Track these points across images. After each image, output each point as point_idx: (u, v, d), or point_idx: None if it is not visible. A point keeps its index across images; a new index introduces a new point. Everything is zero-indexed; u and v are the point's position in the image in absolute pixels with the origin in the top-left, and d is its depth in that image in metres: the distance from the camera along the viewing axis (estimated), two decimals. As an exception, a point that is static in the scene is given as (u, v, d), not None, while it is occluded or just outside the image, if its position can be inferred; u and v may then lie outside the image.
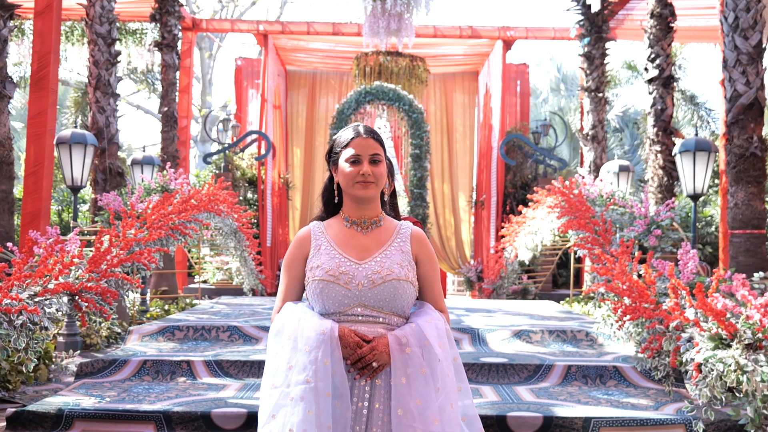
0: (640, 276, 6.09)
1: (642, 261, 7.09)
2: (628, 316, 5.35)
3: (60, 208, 16.34)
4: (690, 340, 4.46)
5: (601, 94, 10.66)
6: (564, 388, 5.25)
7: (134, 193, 7.56)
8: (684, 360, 4.48)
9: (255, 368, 5.41)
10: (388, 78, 14.04)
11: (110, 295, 5.28)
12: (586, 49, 10.78)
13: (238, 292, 11.50)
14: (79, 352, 6.17)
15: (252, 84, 15.99)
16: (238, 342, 6.34)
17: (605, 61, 10.73)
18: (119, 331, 6.97)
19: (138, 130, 41.87)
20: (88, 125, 8.34)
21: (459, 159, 16.36)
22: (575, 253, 7.91)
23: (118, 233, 6.12)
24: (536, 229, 9.77)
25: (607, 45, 10.83)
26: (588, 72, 10.73)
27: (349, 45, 15.08)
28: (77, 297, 5.04)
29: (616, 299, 6.01)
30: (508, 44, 14.05)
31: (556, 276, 13.52)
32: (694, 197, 7.32)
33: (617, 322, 5.69)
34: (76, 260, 5.08)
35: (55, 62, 8.09)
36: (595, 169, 10.51)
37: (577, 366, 5.43)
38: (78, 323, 5.96)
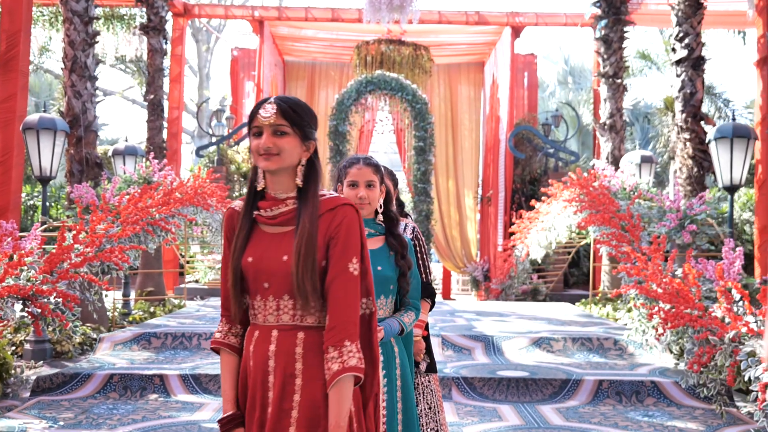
0: (674, 276, 5.37)
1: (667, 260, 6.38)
2: (668, 324, 4.62)
3: (48, 203, 15.67)
4: (753, 354, 3.75)
5: (619, 80, 9.92)
6: (596, 407, 4.53)
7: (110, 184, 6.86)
8: (745, 378, 3.77)
9: (238, 384, 4.70)
10: (391, 68, 13.34)
11: (71, 300, 4.57)
12: (603, 32, 10.03)
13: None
14: (42, 362, 5.47)
15: (249, 75, 15.27)
16: (222, 351, 5.63)
17: (623, 45, 10.00)
18: (95, 336, 6.28)
19: (136, 126, 41.25)
20: (63, 111, 7.63)
21: (464, 154, 15.63)
22: (599, 250, 7.21)
23: (85, 228, 5.41)
24: (550, 225, 9.04)
25: (625, 29, 10.09)
26: (605, 57, 9.99)
27: (350, 32, 14.35)
28: (30, 302, 4.33)
29: (650, 303, 5.29)
30: (516, 31, 13.32)
31: (567, 275, 12.79)
32: (731, 189, 6.60)
33: (654, 329, 4.97)
34: (27, 259, 4.37)
35: (26, 42, 7.39)
36: (613, 160, 9.77)
37: (609, 381, 4.71)
38: (51, 329, 5.26)
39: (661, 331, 4.71)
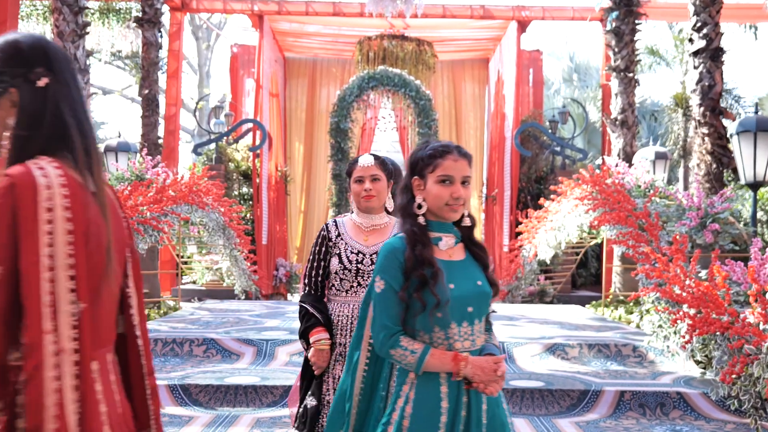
0: (699, 279, 5.02)
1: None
2: (696, 330, 4.28)
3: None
4: (796, 365, 3.41)
5: (631, 74, 9.55)
6: (617, 420, 4.18)
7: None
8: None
9: (230, 395, 4.35)
10: (393, 63, 13.03)
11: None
12: (613, 25, 9.67)
13: (230, 294, 10.46)
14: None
15: (249, 73, 14.92)
16: (215, 359, 5.29)
17: (635, 38, 9.63)
18: (83, 341, 5.95)
19: (135, 125, 40.92)
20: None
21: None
22: (612, 251, 6.84)
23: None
24: (560, 224, 8.69)
25: (636, 21, 9.74)
26: (616, 50, 9.62)
27: (352, 27, 14.00)
28: None
29: (673, 307, 4.94)
30: (523, 26, 12.95)
31: (575, 276, 12.42)
32: (755, 186, 6.25)
33: (681, 336, 4.62)
34: None
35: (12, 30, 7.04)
36: (625, 157, 9.41)
37: (631, 392, 4.36)
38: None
39: (687, 338, 4.36)
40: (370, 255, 2.51)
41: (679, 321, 4.61)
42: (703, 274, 5.11)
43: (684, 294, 4.67)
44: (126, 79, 22.91)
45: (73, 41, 7.28)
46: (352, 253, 2.51)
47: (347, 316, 2.46)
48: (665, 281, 5.06)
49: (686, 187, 14.83)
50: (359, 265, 2.49)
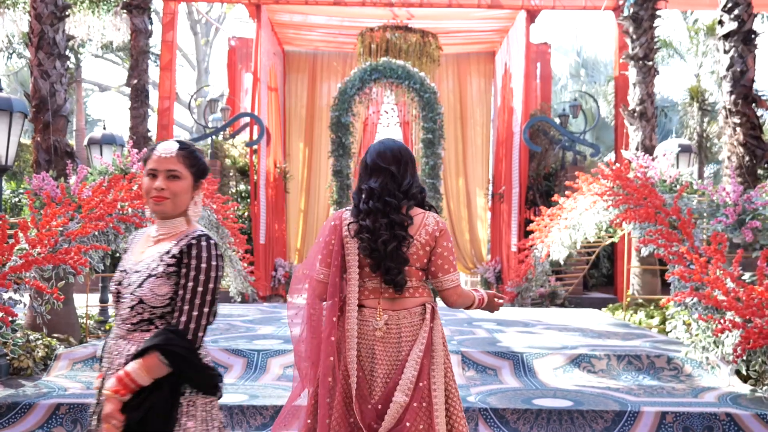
0: (746, 282, 4.46)
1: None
2: (750, 342, 3.71)
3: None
4: None
5: (650, 63, 8.98)
6: (660, 447, 3.62)
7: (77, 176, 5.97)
8: None
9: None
10: (396, 56, 12.53)
11: (5, 312, 3.69)
12: (631, 11, 9.11)
13: (225, 296, 9.92)
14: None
15: (247, 67, 14.38)
16: (200, 371, 4.73)
17: (655, 24, 9.08)
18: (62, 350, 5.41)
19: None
20: (29, 93, 6.75)
21: (474, 150, 14.74)
22: (637, 249, 6.28)
23: (36, 224, 4.53)
24: (576, 222, 8.13)
25: (655, 7, 9.18)
26: (634, 37, 9.06)
27: (354, 19, 13.45)
28: (-52, 316, 3.44)
29: (717, 315, 4.38)
30: (532, 15, 12.39)
31: (587, 277, 11.87)
32: (796, 179, 5.70)
33: (734, 350, 4.06)
34: (-55, 262, 3.48)
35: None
36: (645, 151, 8.85)
37: (674, 413, 3.80)
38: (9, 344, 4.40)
39: (739, 351, 3.80)
40: (133, 272, 1.85)
41: (726, 331, 4.05)
42: (746, 276, 4.56)
43: (731, 300, 4.11)
44: (123, 75, 22.36)
45: (51, 24, 6.72)
46: (119, 271, 1.89)
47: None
48: (706, 285, 4.50)
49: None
50: (118, 287, 1.86)
